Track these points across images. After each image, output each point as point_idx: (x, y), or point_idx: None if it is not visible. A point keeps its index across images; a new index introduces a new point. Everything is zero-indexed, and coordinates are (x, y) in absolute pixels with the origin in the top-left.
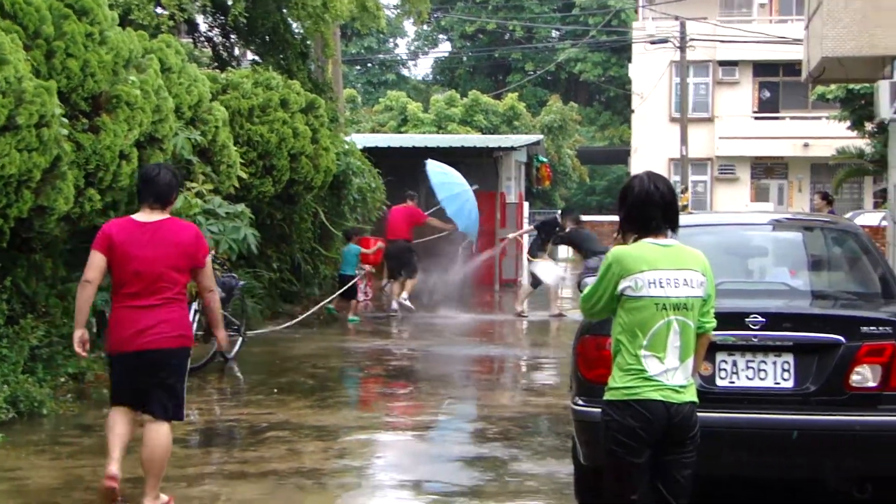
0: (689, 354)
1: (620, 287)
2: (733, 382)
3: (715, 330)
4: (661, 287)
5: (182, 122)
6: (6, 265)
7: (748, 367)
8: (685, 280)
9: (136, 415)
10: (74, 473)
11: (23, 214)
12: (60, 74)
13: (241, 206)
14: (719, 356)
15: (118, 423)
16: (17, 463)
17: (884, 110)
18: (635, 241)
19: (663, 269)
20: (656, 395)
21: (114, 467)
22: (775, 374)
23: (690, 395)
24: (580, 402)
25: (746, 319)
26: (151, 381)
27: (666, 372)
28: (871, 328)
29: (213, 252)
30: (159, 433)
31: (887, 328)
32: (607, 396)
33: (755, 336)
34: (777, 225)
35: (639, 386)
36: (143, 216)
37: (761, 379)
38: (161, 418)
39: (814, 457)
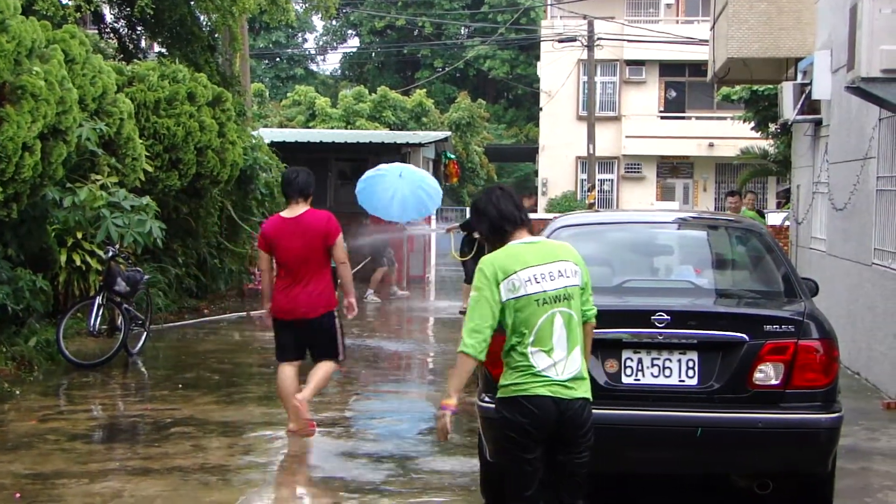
0: (576, 344)
1: (502, 293)
2: (639, 380)
3: (621, 327)
4: (538, 283)
5: (86, 113)
6: None
7: (653, 365)
8: (559, 272)
9: (296, 366)
10: None
11: None
12: None
13: (146, 199)
14: (625, 354)
15: (286, 380)
16: None
17: (787, 111)
18: (500, 246)
19: (536, 264)
20: (545, 391)
21: (292, 426)
22: (680, 371)
23: (583, 392)
24: (486, 399)
25: (652, 317)
26: (311, 339)
27: (554, 365)
28: (775, 326)
29: (117, 245)
30: (323, 366)
31: (790, 327)
32: (499, 394)
33: (660, 334)
34: (682, 223)
35: (527, 382)
36: (289, 212)
37: (666, 377)
38: (324, 360)
39: (717, 454)
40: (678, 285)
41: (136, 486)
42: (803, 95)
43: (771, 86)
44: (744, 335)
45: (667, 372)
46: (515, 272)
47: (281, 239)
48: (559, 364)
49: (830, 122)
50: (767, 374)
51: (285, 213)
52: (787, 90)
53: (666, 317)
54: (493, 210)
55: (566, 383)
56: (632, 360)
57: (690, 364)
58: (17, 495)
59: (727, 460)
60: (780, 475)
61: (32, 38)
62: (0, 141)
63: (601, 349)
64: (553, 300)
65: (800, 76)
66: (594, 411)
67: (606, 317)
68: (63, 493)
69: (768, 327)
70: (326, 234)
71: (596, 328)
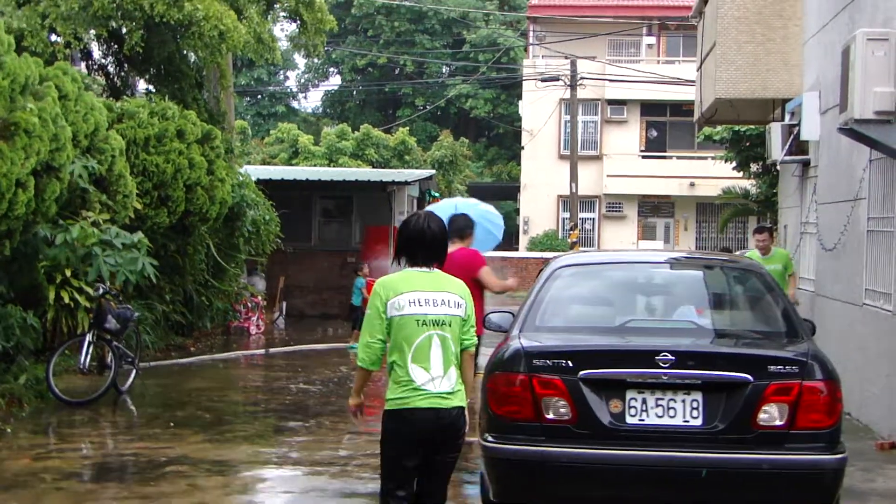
0: (451, 364)
1: (388, 310)
2: (643, 420)
3: (625, 368)
4: (421, 306)
5: (78, 150)
6: None
7: (658, 405)
8: (443, 300)
9: None
10: None
11: None
12: None
13: (138, 235)
14: (629, 394)
15: None
16: None
17: (775, 152)
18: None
19: (423, 290)
20: (425, 404)
21: None
22: (684, 412)
23: (458, 401)
24: (490, 439)
25: (656, 357)
26: None
27: (432, 380)
28: (779, 367)
29: (107, 284)
30: None
31: (794, 367)
32: (386, 407)
33: (665, 374)
34: (682, 263)
35: (409, 396)
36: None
37: (671, 417)
38: None
39: (722, 494)
40: (681, 325)
41: None
42: (791, 136)
43: (753, 126)
44: (748, 376)
45: (671, 412)
46: (402, 293)
47: None
48: (437, 379)
49: (819, 162)
50: (772, 414)
51: None
52: (775, 131)
53: (671, 357)
54: (418, 236)
55: (443, 395)
56: (636, 400)
57: (695, 404)
58: None
59: (731, 501)
60: None
61: (26, 75)
62: None
63: (605, 389)
64: (432, 323)
65: (787, 117)
66: (598, 451)
67: (610, 357)
68: None
69: (773, 368)
70: (470, 267)
71: (600, 368)
